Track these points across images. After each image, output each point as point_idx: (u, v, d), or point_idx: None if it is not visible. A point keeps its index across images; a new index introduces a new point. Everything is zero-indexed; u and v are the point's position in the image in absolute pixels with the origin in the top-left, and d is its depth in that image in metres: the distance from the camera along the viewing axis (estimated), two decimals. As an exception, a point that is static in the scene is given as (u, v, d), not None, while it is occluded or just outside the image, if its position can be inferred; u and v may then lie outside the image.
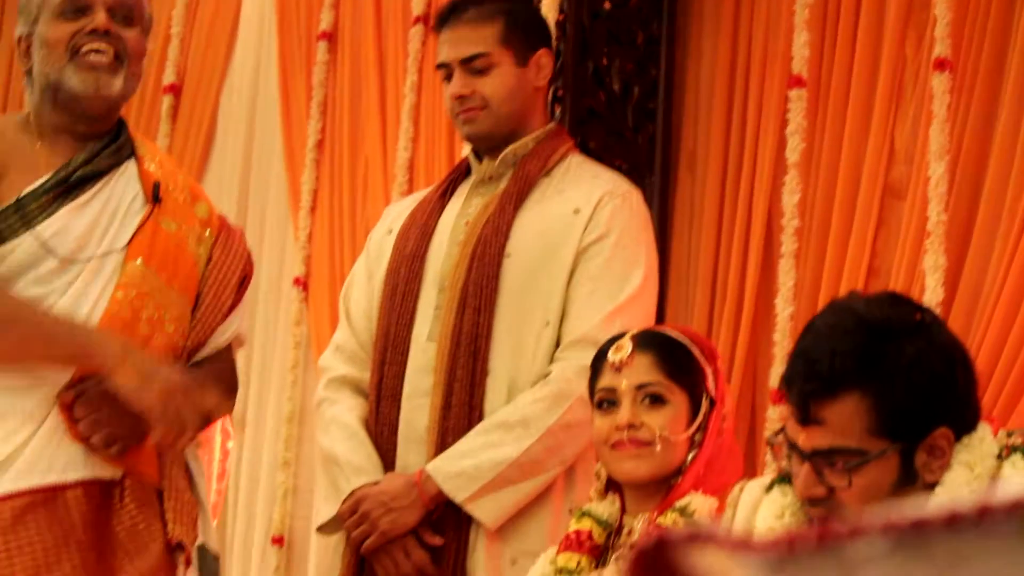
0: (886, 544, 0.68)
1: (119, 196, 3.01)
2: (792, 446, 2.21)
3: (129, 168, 3.06)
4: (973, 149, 3.88)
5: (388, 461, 3.31)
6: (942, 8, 3.95)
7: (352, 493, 3.27)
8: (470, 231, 3.38)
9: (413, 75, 5.19)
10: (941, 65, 3.93)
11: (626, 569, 0.74)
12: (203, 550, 3.05)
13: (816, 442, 2.17)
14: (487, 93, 3.39)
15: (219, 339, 3.12)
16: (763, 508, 2.36)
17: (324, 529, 3.38)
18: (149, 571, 2.89)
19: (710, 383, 2.89)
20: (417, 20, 5.21)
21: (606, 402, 2.86)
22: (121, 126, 3.11)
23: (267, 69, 5.80)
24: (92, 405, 2.86)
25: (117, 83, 3.01)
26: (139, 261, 2.95)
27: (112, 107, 3.05)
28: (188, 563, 2.95)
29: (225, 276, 3.13)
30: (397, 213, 3.61)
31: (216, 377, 3.07)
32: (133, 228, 2.99)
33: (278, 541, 5.35)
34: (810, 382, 2.17)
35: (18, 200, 2.92)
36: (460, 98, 3.40)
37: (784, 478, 2.34)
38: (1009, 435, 3.74)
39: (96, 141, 3.04)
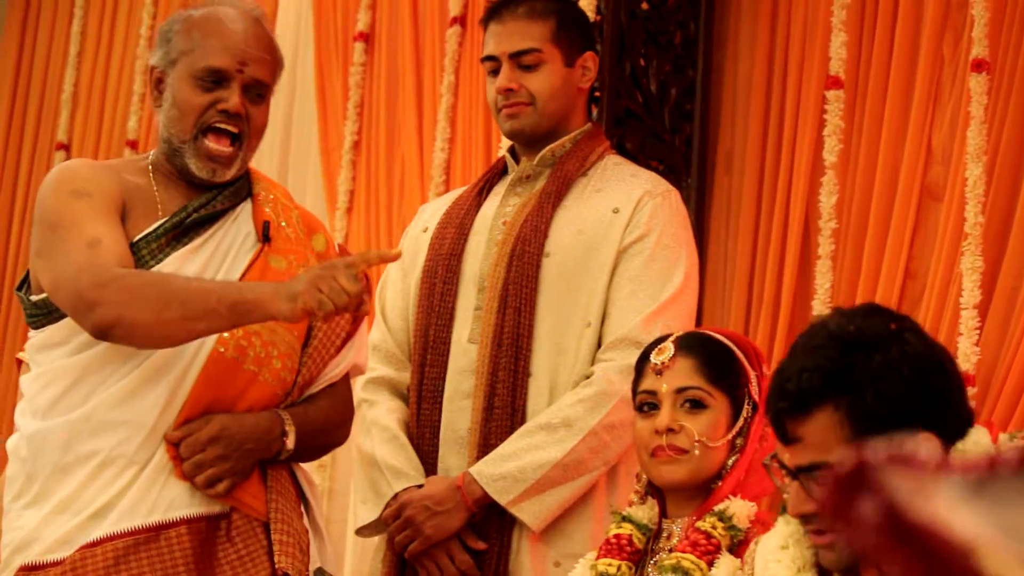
0: None
1: (232, 237, 3.01)
2: (781, 465, 2.22)
3: (245, 209, 3.07)
4: (1011, 150, 3.87)
5: (429, 463, 3.31)
6: (980, 9, 3.95)
7: (395, 497, 3.26)
8: (508, 230, 3.37)
9: (450, 76, 5.19)
10: (979, 66, 3.92)
11: (828, 489, 0.75)
12: (320, 572, 3.06)
13: (798, 459, 2.17)
14: (534, 89, 3.38)
15: (332, 372, 3.11)
16: (768, 538, 2.37)
17: (364, 532, 3.37)
18: None
19: (753, 387, 2.88)
20: (454, 21, 5.21)
21: (647, 405, 2.85)
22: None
23: (304, 70, 5.80)
24: (197, 446, 2.88)
25: (232, 171, 3.02)
26: None
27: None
28: None
29: None
30: (432, 211, 3.60)
31: (328, 409, 3.09)
32: (242, 269, 2.98)
33: (313, 542, 5.32)
34: (782, 401, 2.17)
35: (132, 244, 2.92)
36: (507, 91, 3.39)
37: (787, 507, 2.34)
38: (1012, 437, 3.72)
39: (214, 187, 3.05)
